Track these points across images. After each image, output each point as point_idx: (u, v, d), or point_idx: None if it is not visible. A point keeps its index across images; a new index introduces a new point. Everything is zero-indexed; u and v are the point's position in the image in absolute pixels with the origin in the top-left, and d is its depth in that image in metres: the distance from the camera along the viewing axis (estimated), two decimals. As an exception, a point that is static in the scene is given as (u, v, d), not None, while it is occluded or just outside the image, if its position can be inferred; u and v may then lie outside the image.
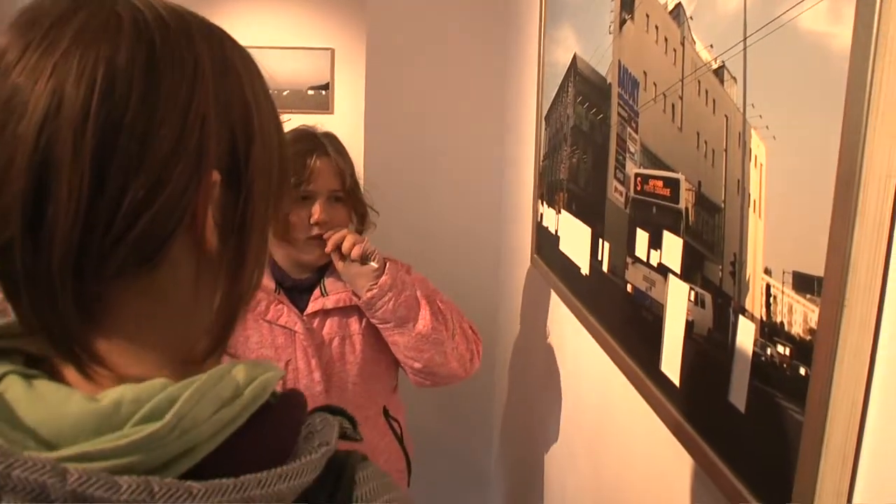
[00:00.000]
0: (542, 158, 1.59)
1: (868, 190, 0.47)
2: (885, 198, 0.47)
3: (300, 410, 0.45)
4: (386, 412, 1.38)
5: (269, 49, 4.24)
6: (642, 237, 0.91)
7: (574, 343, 1.36)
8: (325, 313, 1.30)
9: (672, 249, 0.82)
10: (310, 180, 1.23)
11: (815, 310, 0.54)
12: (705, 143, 0.74)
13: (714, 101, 0.72)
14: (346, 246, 1.23)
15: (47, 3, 0.39)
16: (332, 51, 4.49)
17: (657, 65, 0.87)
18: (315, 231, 1.25)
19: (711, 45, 0.72)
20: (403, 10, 2.14)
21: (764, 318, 0.62)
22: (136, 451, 0.35)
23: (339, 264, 1.25)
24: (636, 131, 0.94)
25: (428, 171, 2.22)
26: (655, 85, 0.87)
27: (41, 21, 0.38)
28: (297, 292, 1.31)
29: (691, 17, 0.77)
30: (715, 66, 0.71)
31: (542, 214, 1.58)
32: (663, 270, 0.84)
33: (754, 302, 0.64)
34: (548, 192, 1.52)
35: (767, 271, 0.62)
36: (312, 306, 1.29)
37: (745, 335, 0.66)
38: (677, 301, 0.80)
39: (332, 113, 4.49)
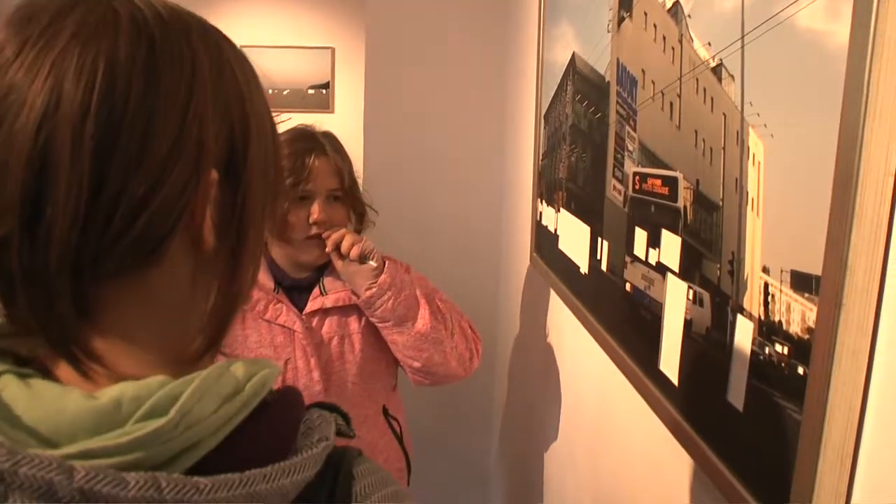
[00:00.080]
0: (541, 157, 1.58)
1: (866, 187, 0.47)
2: (882, 195, 0.47)
3: (298, 407, 0.45)
4: (385, 411, 1.38)
5: (269, 48, 4.24)
6: (641, 236, 0.91)
7: (573, 342, 1.36)
8: (324, 312, 1.30)
9: (670, 248, 0.82)
10: (308, 180, 1.23)
11: (813, 309, 0.53)
12: (703, 141, 0.74)
13: (712, 99, 0.72)
14: (344, 245, 1.23)
15: None
16: (333, 50, 4.48)
17: (655, 63, 0.87)
18: (314, 231, 1.25)
19: (709, 43, 0.72)
20: (402, 8, 2.14)
21: (762, 317, 0.62)
22: (141, 448, 0.35)
23: (338, 263, 1.25)
24: (634, 130, 0.94)
25: (428, 169, 2.22)
26: (654, 83, 0.87)
27: (39, 17, 0.38)
28: (296, 291, 1.31)
29: (689, 15, 0.77)
30: (713, 64, 0.71)
31: (541, 213, 1.58)
32: (662, 269, 0.84)
33: (752, 301, 0.64)
34: (547, 190, 1.51)
35: (765, 270, 0.62)
36: (311, 305, 1.29)
37: (744, 334, 0.65)
38: (676, 300, 0.80)
39: (332, 112, 4.49)
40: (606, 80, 1.06)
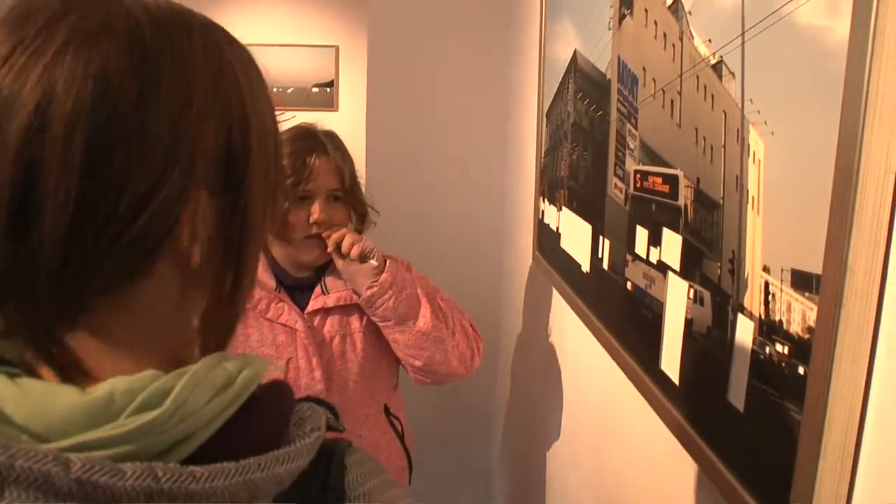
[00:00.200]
0: (543, 155, 1.58)
1: (866, 185, 0.47)
2: (883, 193, 0.46)
3: (289, 399, 0.46)
4: (387, 410, 1.38)
5: (273, 47, 4.23)
6: (642, 234, 0.91)
7: (575, 341, 1.35)
8: (325, 311, 1.30)
9: (671, 247, 0.81)
10: (308, 179, 1.23)
11: (814, 308, 0.53)
12: (704, 139, 0.73)
13: (712, 96, 0.71)
14: (345, 245, 1.22)
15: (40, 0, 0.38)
16: (337, 48, 4.48)
17: (656, 60, 0.86)
18: (314, 230, 1.24)
19: (710, 40, 0.71)
20: (405, 6, 2.13)
21: (762, 317, 0.62)
22: (135, 439, 0.35)
23: (338, 263, 1.25)
24: (636, 127, 0.93)
25: (430, 167, 2.21)
26: (654, 81, 0.87)
27: (35, 18, 0.37)
28: (297, 291, 1.30)
29: (690, 12, 0.76)
30: (713, 61, 0.70)
31: (543, 212, 1.57)
32: (662, 268, 0.84)
33: (753, 300, 0.63)
34: (549, 189, 1.51)
35: (766, 269, 0.61)
36: (313, 304, 1.29)
37: (744, 333, 0.65)
38: (676, 299, 0.80)
39: (336, 110, 4.48)
40: (607, 77, 1.06)
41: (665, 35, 0.83)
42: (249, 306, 1.24)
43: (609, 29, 1.05)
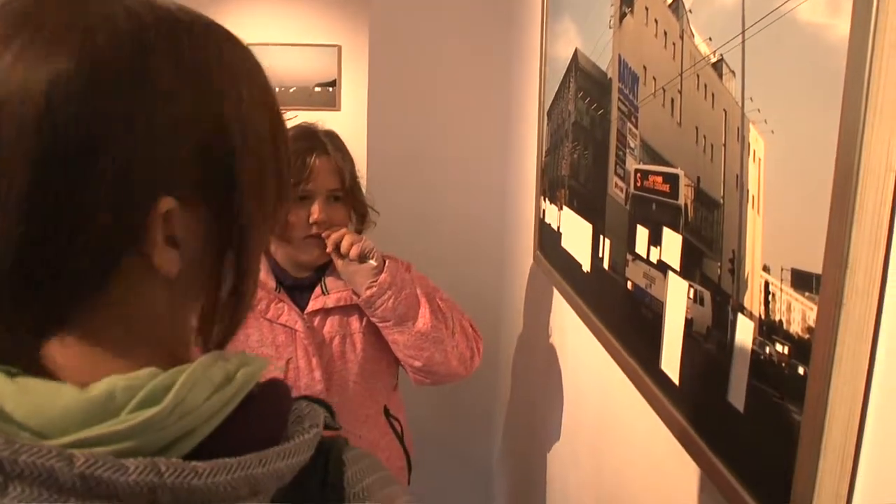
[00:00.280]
0: (544, 154, 1.58)
1: (867, 184, 0.46)
2: (883, 192, 0.46)
3: (287, 396, 0.46)
4: (386, 411, 1.38)
5: (275, 46, 4.24)
6: (642, 234, 0.90)
7: (576, 341, 1.35)
8: (325, 312, 1.30)
9: (671, 246, 0.81)
10: (308, 179, 1.23)
11: (814, 308, 0.53)
12: (704, 137, 0.73)
13: (713, 95, 0.71)
14: (344, 245, 1.22)
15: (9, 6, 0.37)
16: (339, 47, 4.48)
17: (657, 59, 0.86)
18: (314, 230, 1.24)
19: (710, 39, 0.71)
20: (407, 6, 2.13)
21: (763, 317, 0.61)
22: (137, 436, 0.35)
23: (338, 263, 1.25)
24: (636, 126, 0.93)
25: (431, 166, 2.21)
26: (655, 79, 0.86)
27: (4, 14, 0.37)
28: (297, 291, 1.30)
29: (690, 11, 0.76)
30: (714, 59, 0.70)
31: (544, 211, 1.57)
32: (663, 267, 0.83)
33: (753, 300, 0.63)
34: (550, 188, 1.51)
35: (766, 268, 0.61)
36: (313, 305, 1.28)
37: (744, 333, 0.64)
38: (677, 298, 0.79)
39: (339, 110, 4.48)
40: (608, 76, 1.05)
41: (665, 33, 0.83)
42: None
43: (610, 27, 1.04)
